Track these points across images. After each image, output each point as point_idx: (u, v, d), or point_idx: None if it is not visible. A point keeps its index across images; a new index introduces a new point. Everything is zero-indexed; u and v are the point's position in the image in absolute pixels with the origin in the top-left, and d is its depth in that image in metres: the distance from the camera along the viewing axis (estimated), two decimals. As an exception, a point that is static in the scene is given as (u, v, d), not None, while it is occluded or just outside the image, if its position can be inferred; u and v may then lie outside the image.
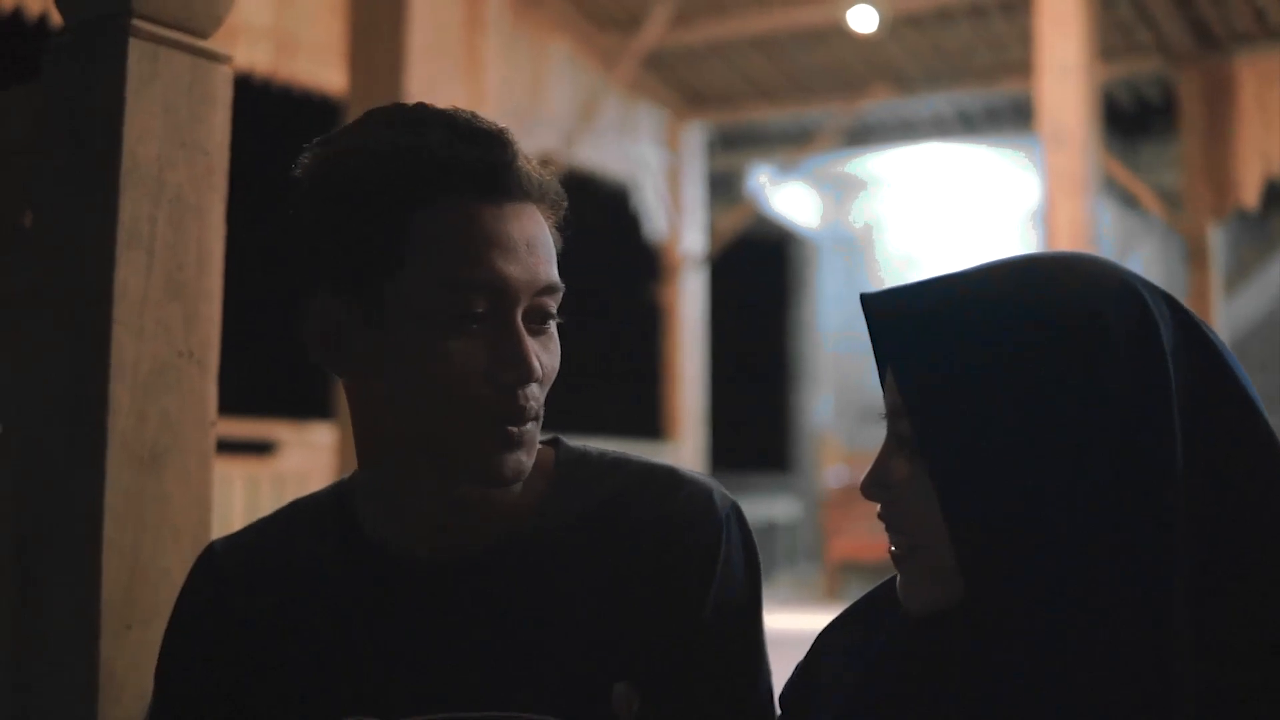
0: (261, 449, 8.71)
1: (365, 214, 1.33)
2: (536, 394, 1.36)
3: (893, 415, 1.27)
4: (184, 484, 1.73)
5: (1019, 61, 10.03)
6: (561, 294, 1.40)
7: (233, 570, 1.50)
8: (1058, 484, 1.15)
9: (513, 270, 1.32)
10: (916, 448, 1.24)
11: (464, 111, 1.38)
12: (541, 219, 1.38)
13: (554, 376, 1.41)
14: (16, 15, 7.60)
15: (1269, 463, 1.19)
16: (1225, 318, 11.63)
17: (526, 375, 1.33)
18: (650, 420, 12.43)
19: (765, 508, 13.72)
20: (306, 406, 8.84)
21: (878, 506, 1.29)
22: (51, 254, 1.76)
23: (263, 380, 9.68)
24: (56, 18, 1.84)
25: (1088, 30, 8.52)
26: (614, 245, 13.92)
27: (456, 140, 1.33)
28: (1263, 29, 9.79)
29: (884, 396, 1.30)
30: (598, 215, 13.28)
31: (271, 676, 1.43)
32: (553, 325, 1.40)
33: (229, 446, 8.36)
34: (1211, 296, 10.20)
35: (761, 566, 1.51)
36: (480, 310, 1.32)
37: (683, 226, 12.40)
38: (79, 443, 1.67)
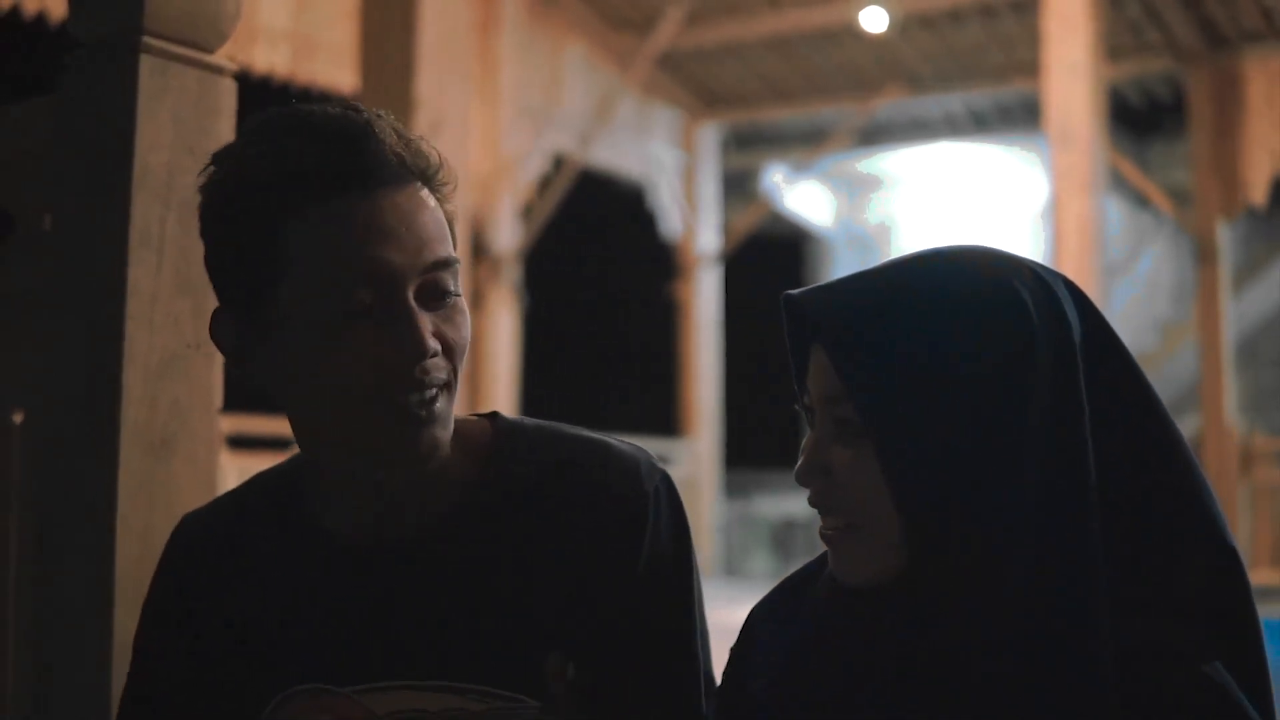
0: (281, 444, 8.82)
1: (240, 232, 1.36)
2: (440, 365, 1.37)
3: (830, 402, 1.33)
4: (192, 467, 1.81)
5: (1029, 61, 10.06)
6: (458, 267, 1.40)
7: (196, 542, 1.56)
8: (995, 457, 1.24)
9: (391, 254, 1.33)
10: (860, 431, 1.29)
11: (327, 107, 1.39)
12: (424, 198, 1.38)
13: (464, 349, 1.41)
14: (39, 20, 7.73)
15: (1153, 419, 1.31)
16: (1235, 315, 11.65)
17: (418, 351, 1.34)
18: (666, 417, 12.47)
19: (782, 504, 13.74)
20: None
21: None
22: (69, 254, 1.85)
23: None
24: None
25: (1095, 30, 8.58)
26: (630, 244, 14.00)
27: (314, 143, 1.34)
28: (1271, 28, 9.82)
29: (810, 385, 1.36)
30: (614, 214, 13.37)
31: (229, 647, 1.50)
32: (455, 300, 1.40)
33: (247, 442, 8.47)
34: (1220, 294, 10.24)
35: (691, 533, 1.53)
36: (368, 301, 1.33)
37: (698, 225, 12.47)
38: (94, 429, 1.76)
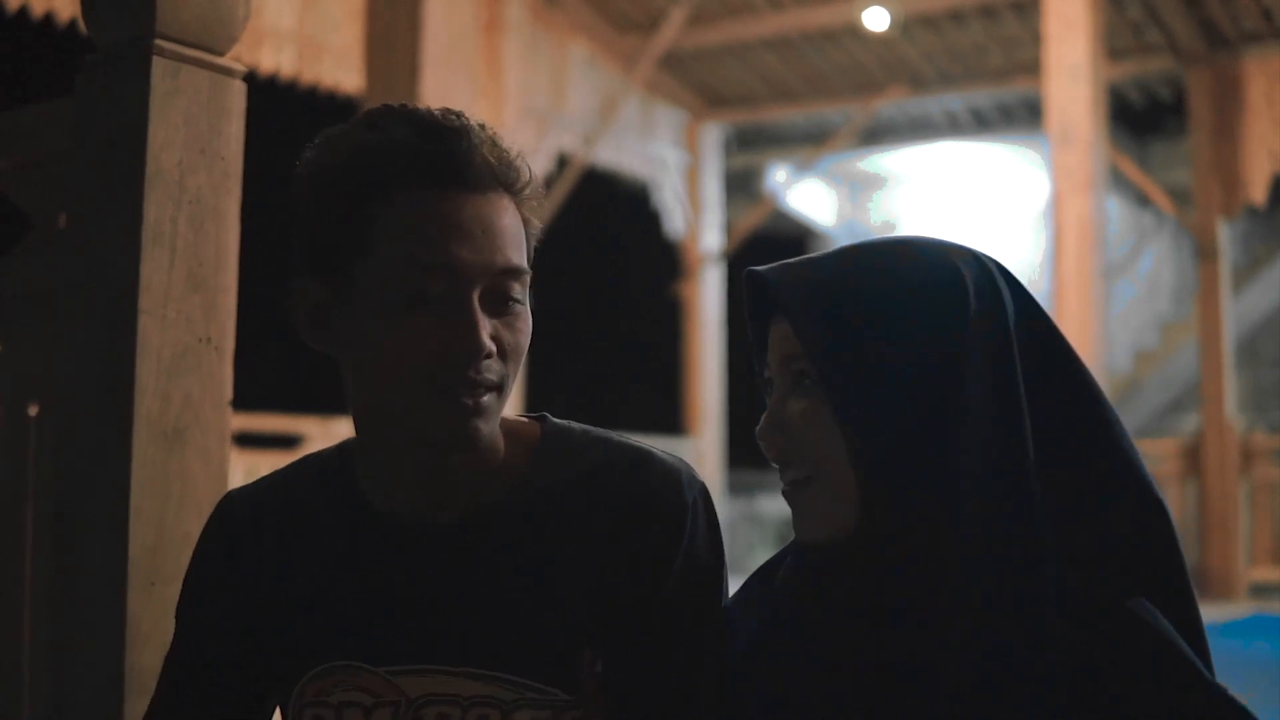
0: (288, 442, 8.87)
1: (335, 204, 1.44)
2: (494, 367, 1.43)
3: (788, 360, 1.43)
4: (203, 457, 1.86)
5: (1031, 61, 10.10)
6: (527, 277, 1.47)
7: (243, 518, 1.62)
8: (934, 403, 1.34)
9: (466, 254, 1.41)
10: (814, 382, 1.39)
11: (436, 110, 1.47)
12: (507, 207, 1.46)
13: (520, 354, 1.47)
14: (48, 20, 7.77)
15: (1076, 378, 1.42)
16: (1235, 313, 11.67)
17: (476, 350, 1.40)
18: (671, 416, 12.49)
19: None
20: (330, 402, 8.95)
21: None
22: (84, 251, 1.89)
23: (288, 377, 9.84)
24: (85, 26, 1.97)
25: (1095, 31, 8.61)
26: (633, 243, 14.03)
27: (418, 136, 1.43)
28: (1271, 29, 9.85)
29: (770, 355, 1.47)
30: (618, 214, 13.40)
31: (270, 617, 1.56)
32: (519, 306, 1.46)
33: (256, 440, 8.51)
34: (1221, 292, 10.26)
35: (724, 545, 1.58)
36: (437, 291, 1.40)
37: (701, 225, 12.50)
38: (109, 421, 1.81)
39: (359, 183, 1.43)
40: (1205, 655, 1.36)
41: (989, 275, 1.40)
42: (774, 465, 1.46)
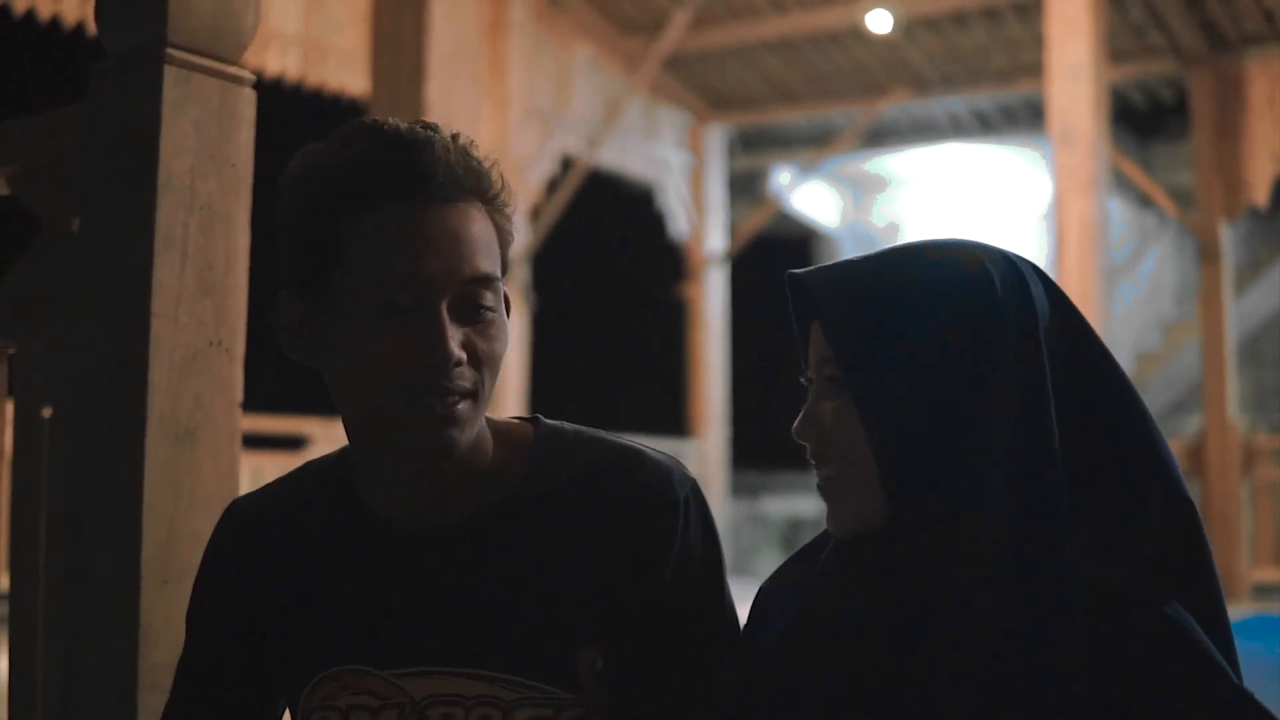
0: (294, 444, 8.90)
1: (308, 221, 1.47)
2: (466, 374, 1.45)
3: (822, 364, 1.47)
4: (214, 457, 1.89)
5: (1033, 63, 10.10)
6: (499, 284, 1.49)
7: (250, 524, 1.65)
8: (958, 402, 1.37)
9: (433, 265, 1.43)
10: (843, 383, 1.43)
11: (405, 123, 1.48)
12: (475, 215, 1.48)
13: (495, 360, 1.49)
14: (54, 24, 7.81)
15: (1110, 377, 1.45)
16: (1237, 314, 11.68)
17: (444, 359, 1.42)
18: (675, 417, 12.51)
19: (790, 504, 13.77)
20: (334, 404, 8.96)
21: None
22: (97, 255, 1.92)
23: (294, 379, 9.87)
24: (92, 27, 2.00)
25: (1097, 33, 8.62)
26: (638, 245, 14.04)
27: (384, 150, 1.45)
28: (1272, 30, 9.85)
29: (809, 353, 1.50)
30: (622, 216, 13.42)
31: (277, 623, 1.59)
32: (490, 314, 1.48)
33: (263, 441, 8.54)
34: (1223, 293, 10.25)
35: (720, 540, 1.60)
36: (407, 302, 1.43)
37: (705, 226, 12.50)
38: (121, 421, 1.84)
39: (329, 199, 1.46)
40: (1233, 658, 1.39)
41: (1019, 276, 1.43)
42: (810, 462, 1.50)
